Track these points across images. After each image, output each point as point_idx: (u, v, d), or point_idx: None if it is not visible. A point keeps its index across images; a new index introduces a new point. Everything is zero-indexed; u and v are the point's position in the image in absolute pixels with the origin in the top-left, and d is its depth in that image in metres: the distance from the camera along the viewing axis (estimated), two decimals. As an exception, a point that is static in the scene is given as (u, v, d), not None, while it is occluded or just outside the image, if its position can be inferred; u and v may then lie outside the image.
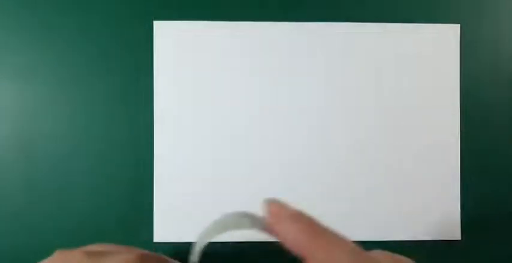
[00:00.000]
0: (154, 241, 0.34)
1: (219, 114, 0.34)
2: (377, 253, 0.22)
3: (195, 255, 0.19)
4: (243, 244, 0.34)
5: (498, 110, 0.35)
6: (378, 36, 0.34)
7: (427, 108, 0.34)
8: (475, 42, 0.35)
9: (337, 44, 0.34)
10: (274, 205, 0.17)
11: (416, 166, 0.34)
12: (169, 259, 0.23)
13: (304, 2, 0.34)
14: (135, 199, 0.34)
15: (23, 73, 0.34)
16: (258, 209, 0.19)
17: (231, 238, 0.33)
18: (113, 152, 0.34)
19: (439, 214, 0.34)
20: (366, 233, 0.33)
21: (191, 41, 0.34)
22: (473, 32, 0.34)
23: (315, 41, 0.34)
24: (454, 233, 0.34)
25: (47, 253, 0.35)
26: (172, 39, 0.34)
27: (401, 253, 0.31)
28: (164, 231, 0.34)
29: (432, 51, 0.34)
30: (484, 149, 0.34)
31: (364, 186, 0.33)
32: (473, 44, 0.35)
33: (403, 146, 0.34)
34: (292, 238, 0.16)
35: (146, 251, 0.22)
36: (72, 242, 0.35)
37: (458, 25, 0.34)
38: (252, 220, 0.18)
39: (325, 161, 0.33)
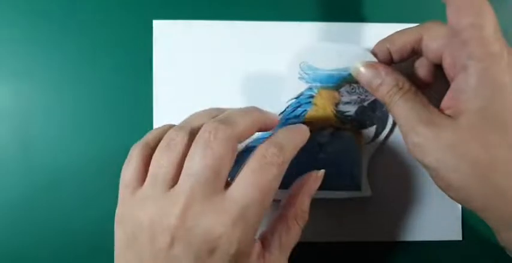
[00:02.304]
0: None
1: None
2: None
3: None
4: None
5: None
6: (377, 36, 0.33)
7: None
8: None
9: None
10: None
11: (417, 166, 0.34)
12: None
13: (305, 2, 0.35)
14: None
15: (21, 73, 0.34)
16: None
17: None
18: (112, 152, 0.34)
19: (440, 214, 0.34)
20: (365, 234, 0.34)
21: (191, 40, 0.34)
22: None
23: (316, 41, 0.34)
24: (456, 233, 0.34)
25: (47, 253, 0.34)
26: (172, 39, 0.34)
27: (402, 253, 0.35)
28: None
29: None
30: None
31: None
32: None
33: (404, 146, 0.35)
34: None
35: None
36: (71, 242, 0.34)
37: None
38: None
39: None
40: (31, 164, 0.34)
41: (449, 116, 0.25)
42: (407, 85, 0.27)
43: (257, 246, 0.24)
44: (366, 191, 0.32)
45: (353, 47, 0.31)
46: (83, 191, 0.34)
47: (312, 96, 0.32)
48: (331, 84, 0.32)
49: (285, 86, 0.32)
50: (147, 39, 0.34)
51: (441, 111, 0.26)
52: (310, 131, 0.32)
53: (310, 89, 0.32)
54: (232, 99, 0.34)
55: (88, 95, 0.34)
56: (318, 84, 0.32)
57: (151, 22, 0.34)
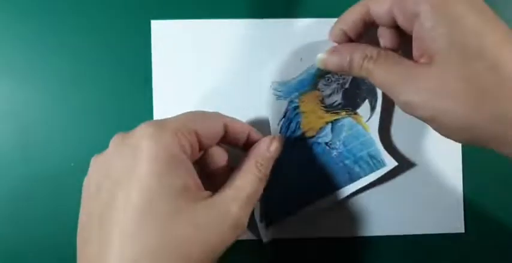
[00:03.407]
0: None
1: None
2: None
3: None
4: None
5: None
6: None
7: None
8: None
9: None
10: None
11: (418, 159, 0.34)
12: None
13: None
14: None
15: (21, 73, 0.33)
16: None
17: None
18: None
19: (442, 207, 0.34)
20: (368, 228, 0.34)
21: (189, 40, 0.33)
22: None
23: (315, 38, 0.32)
24: (458, 226, 0.34)
25: (47, 252, 0.34)
26: (170, 39, 0.33)
27: (404, 247, 0.34)
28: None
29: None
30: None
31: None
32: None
33: (404, 141, 0.34)
34: None
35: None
36: (72, 242, 0.33)
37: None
38: None
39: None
40: (30, 164, 0.33)
41: (425, 64, 0.25)
42: (375, 51, 0.27)
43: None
44: (391, 162, 0.32)
45: (307, 44, 0.30)
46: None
47: (296, 107, 0.31)
48: (307, 87, 0.31)
49: (269, 111, 0.31)
50: (146, 39, 0.34)
51: (416, 62, 0.26)
52: (311, 137, 0.32)
53: (291, 102, 0.31)
54: (232, 98, 0.34)
55: (87, 95, 0.34)
56: (296, 94, 0.31)
57: (150, 22, 0.34)
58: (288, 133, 0.32)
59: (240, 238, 0.33)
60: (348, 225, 0.34)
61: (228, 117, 0.28)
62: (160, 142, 0.23)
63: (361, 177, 0.32)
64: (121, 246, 0.22)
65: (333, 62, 0.28)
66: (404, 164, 0.34)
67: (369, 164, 0.32)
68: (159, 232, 0.22)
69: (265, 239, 0.32)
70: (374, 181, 0.33)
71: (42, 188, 0.33)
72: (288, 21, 0.33)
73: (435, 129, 0.26)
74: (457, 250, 0.35)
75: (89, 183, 0.25)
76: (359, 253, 0.35)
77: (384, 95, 0.32)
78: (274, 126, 0.31)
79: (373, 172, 0.32)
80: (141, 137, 0.23)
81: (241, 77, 0.33)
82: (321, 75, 0.31)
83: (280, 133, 0.32)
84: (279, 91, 0.31)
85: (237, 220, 0.24)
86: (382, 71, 0.26)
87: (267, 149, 0.28)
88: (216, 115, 0.28)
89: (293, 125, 0.32)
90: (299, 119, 0.32)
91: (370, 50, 0.27)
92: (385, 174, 0.33)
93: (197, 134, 0.26)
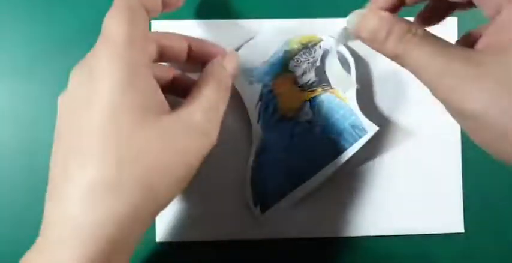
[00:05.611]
0: (156, 240, 0.34)
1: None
2: None
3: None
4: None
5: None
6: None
7: (426, 103, 0.33)
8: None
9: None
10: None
11: (418, 159, 0.34)
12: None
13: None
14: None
15: (21, 73, 0.34)
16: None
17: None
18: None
19: (442, 206, 0.34)
20: (367, 228, 0.34)
21: None
22: (471, 25, 0.29)
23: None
24: (458, 226, 0.34)
25: None
26: None
27: (403, 247, 0.34)
28: (166, 231, 0.34)
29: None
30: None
31: (364, 180, 0.35)
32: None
33: (404, 140, 0.35)
34: None
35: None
36: None
37: (456, 18, 0.34)
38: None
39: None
40: (35, 166, 0.34)
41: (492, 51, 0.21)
42: (421, 30, 0.22)
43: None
44: (372, 128, 0.33)
45: (267, 29, 0.31)
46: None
47: (271, 91, 0.33)
48: (278, 70, 0.33)
49: (245, 98, 0.33)
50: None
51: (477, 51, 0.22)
52: (291, 118, 0.34)
53: (264, 86, 0.33)
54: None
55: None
56: (269, 78, 0.33)
57: (150, 22, 0.34)
58: (267, 116, 0.33)
59: (237, 238, 0.33)
60: (347, 225, 0.35)
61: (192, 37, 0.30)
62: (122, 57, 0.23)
63: (346, 149, 0.33)
64: (82, 166, 0.22)
65: (368, 28, 0.23)
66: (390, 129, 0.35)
67: (351, 134, 0.33)
68: (121, 147, 0.22)
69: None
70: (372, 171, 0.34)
71: (43, 188, 0.33)
72: (291, 21, 0.34)
73: (476, 131, 0.22)
74: (457, 250, 0.35)
75: (58, 126, 0.24)
76: (358, 254, 0.35)
77: (357, 64, 0.33)
78: (252, 110, 0.33)
79: (355, 143, 0.33)
80: (99, 57, 0.23)
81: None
82: (289, 57, 0.32)
83: (259, 116, 0.33)
84: (251, 77, 0.32)
85: (201, 128, 0.25)
86: (428, 51, 0.21)
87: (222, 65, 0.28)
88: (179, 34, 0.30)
89: (271, 107, 0.33)
90: (276, 102, 0.33)
91: (417, 27, 0.22)
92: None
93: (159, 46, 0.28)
